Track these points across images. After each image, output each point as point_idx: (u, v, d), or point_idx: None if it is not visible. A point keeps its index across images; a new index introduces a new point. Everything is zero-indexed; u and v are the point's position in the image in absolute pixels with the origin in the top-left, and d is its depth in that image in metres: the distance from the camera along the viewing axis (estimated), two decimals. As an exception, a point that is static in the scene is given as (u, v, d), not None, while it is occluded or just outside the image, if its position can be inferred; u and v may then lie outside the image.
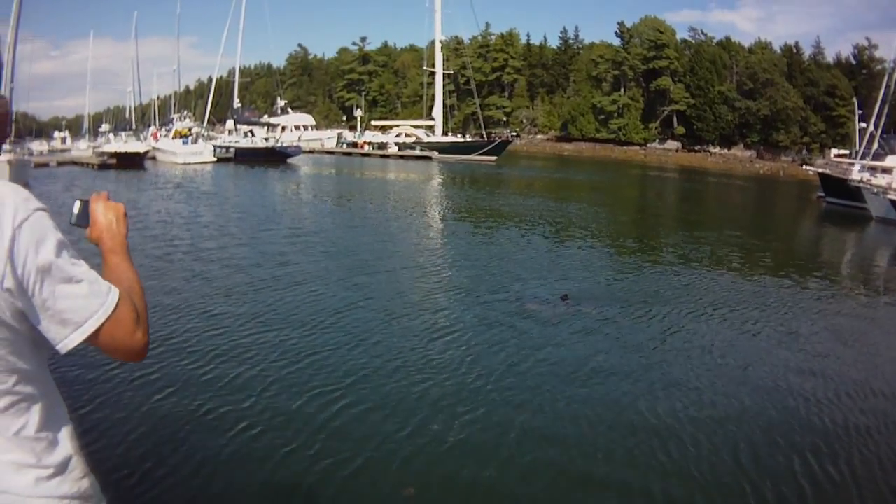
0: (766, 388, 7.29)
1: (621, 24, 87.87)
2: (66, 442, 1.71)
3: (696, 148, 78.87)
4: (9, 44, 37.49)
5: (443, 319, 9.67)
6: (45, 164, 51.20)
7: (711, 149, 78.13)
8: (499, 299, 10.80)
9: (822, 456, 5.72)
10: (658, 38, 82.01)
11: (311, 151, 64.28)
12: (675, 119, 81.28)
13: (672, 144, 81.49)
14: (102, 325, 1.61)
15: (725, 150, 77.23)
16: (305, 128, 75.97)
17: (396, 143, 66.54)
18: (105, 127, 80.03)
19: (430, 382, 7.02)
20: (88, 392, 6.64)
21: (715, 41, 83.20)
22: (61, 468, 1.67)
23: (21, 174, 33.71)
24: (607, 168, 61.57)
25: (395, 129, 73.57)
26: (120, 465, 5.24)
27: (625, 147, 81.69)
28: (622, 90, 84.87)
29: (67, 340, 1.59)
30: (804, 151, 71.90)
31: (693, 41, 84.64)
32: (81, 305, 1.59)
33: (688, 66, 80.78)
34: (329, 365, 7.56)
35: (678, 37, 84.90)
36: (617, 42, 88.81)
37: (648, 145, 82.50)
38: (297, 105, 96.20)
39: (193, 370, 7.28)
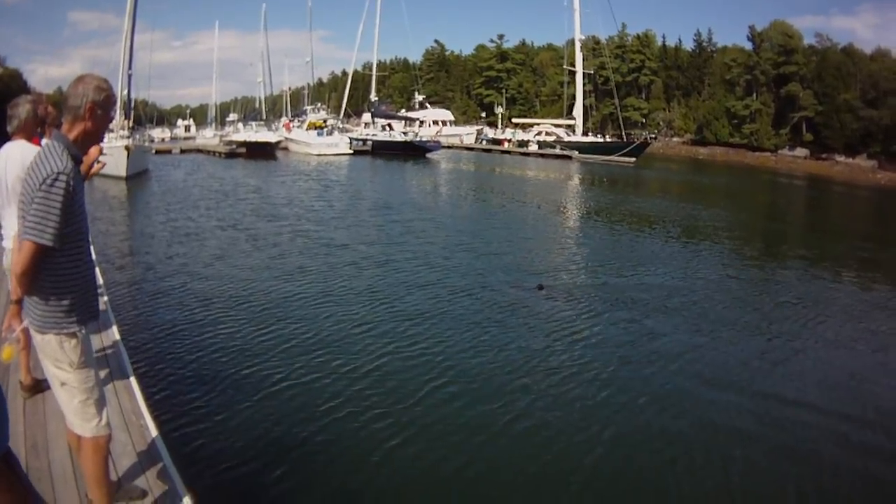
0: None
1: (752, 27, 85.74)
2: None
3: (824, 156, 76.35)
4: (125, 32, 38.27)
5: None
6: (168, 151, 51.97)
7: (837, 157, 75.25)
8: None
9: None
10: (787, 42, 79.68)
11: (449, 147, 65.06)
12: (804, 126, 78.91)
13: (801, 151, 79.09)
14: None
15: (850, 160, 74.28)
16: (444, 123, 75.98)
17: (538, 142, 65.65)
18: (233, 116, 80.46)
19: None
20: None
21: (839, 47, 79.92)
22: None
23: (139, 161, 32.92)
24: (739, 173, 60.52)
25: (535, 127, 72.89)
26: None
27: (756, 153, 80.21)
28: (754, 95, 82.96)
29: None
30: (925, 163, 69.88)
31: (819, 47, 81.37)
32: None
33: (815, 72, 77.93)
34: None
35: (805, 42, 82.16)
36: (748, 46, 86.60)
37: (779, 152, 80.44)
38: (434, 100, 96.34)
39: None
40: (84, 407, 3.34)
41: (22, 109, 4.69)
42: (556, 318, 10.30)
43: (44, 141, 4.32)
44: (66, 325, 3.21)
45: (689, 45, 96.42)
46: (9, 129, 4.78)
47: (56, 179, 3.00)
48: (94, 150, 4.23)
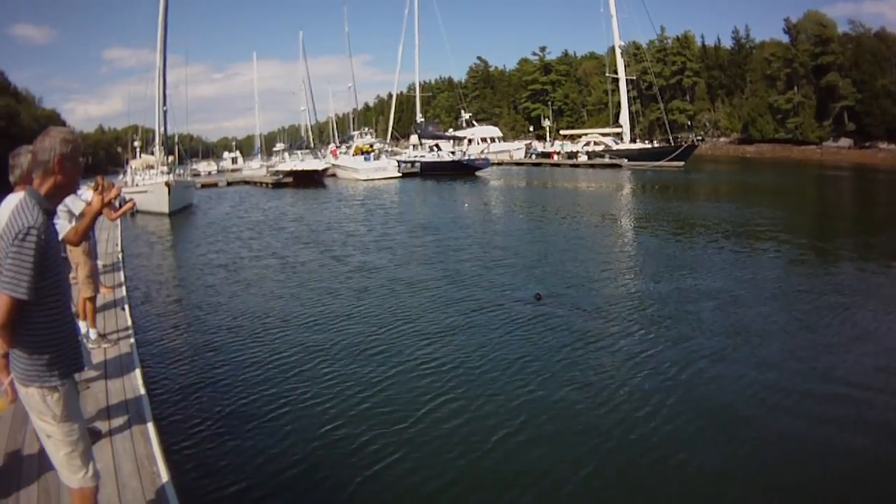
0: None
1: (787, 20, 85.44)
2: None
3: (867, 144, 75.29)
4: (157, 69, 38.38)
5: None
6: (214, 185, 52.64)
7: (880, 145, 74.11)
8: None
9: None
10: (822, 32, 79.24)
11: (499, 163, 65.23)
12: (845, 115, 77.98)
13: (844, 142, 78.04)
14: None
15: (893, 146, 72.95)
16: (492, 140, 76.57)
17: (586, 152, 65.48)
18: (279, 146, 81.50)
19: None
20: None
21: (872, 32, 79.05)
22: None
23: (182, 196, 32.93)
24: (787, 170, 59.07)
25: (583, 137, 72.89)
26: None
27: (802, 147, 79.62)
28: (795, 88, 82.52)
29: None
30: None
31: (853, 34, 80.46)
32: None
33: (852, 60, 77.19)
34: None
35: (839, 30, 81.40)
36: (785, 39, 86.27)
37: (823, 144, 79.65)
38: (481, 117, 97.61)
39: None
40: (70, 459, 3.39)
41: (24, 159, 4.58)
42: (578, 329, 10.24)
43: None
44: (47, 378, 3.26)
45: (727, 44, 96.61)
46: (11, 179, 4.72)
47: (27, 234, 3.08)
48: (111, 193, 4.28)
